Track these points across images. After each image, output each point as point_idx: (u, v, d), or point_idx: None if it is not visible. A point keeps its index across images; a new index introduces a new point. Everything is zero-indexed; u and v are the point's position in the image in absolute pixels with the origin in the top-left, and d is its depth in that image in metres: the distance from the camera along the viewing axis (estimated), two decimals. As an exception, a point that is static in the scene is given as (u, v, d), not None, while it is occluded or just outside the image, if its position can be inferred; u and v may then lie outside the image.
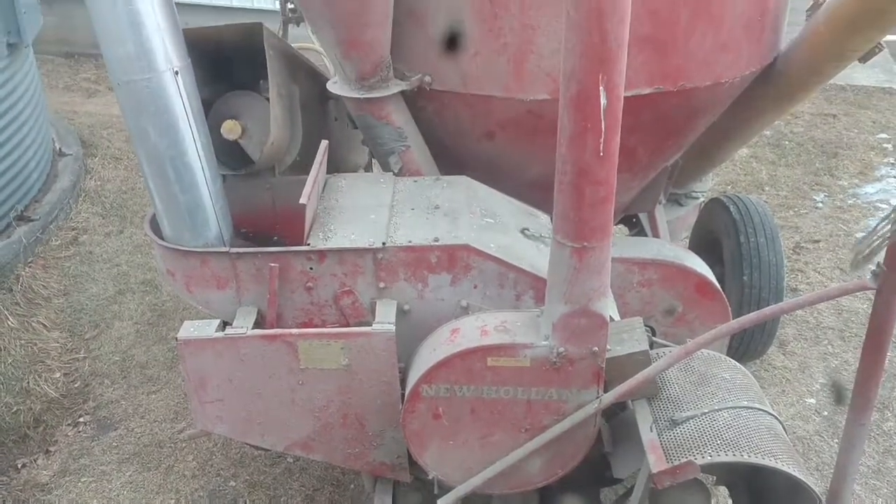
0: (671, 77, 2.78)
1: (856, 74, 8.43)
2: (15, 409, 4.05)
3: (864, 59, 2.97)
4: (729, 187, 6.44)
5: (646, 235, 3.87)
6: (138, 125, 2.39)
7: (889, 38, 2.92)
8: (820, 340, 4.52)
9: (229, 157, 3.00)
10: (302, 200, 2.46)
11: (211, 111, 2.91)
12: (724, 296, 2.95)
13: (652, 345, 2.44)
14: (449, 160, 3.16)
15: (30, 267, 5.16)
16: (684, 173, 3.84)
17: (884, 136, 7.53)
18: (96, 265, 5.38)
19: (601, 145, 1.89)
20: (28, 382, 4.22)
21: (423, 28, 2.82)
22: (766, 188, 6.50)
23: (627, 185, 3.39)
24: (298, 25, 4.27)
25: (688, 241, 4.43)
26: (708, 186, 4.41)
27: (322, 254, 2.50)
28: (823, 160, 7.01)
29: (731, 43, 2.86)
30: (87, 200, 6.20)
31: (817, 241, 5.64)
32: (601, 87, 1.82)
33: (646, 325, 2.47)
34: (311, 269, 2.52)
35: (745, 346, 3.90)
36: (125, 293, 5.09)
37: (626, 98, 1.91)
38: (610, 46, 1.77)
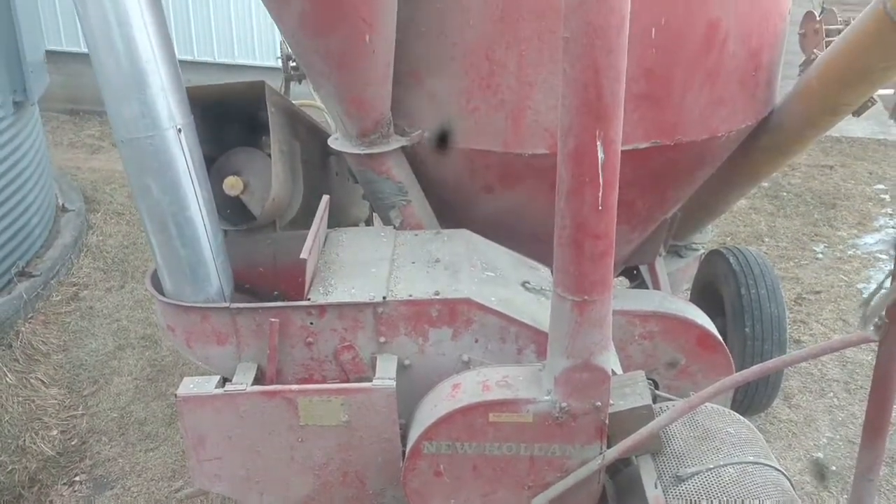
0: (668, 131, 2.81)
1: (850, 126, 8.53)
2: (10, 468, 3.99)
3: (857, 113, 3.01)
4: (728, 238, 6.47)
5: (647, 287, 3.86)
6: (141, 182, 2.41)
7: (882, 91, 2.97)
8: (825, 393, 4.48)
9: (231, 212, 3.02)
10: (303, 255, 2.47)
11: (213, 167, 2.94)
12: (727, 348, 2.93)
13: (655, 399, 2.41)
14: (449, 214, 3.18)
15: (30, 322, 5.15)
16: (684, 225, 3.86)
17: (881, 186, 7.59)
18: (96, 320, 5.37)
19: (600, 199, 1.90)
20: (24, 440, 4.17)
21: (423, 86, 2.86)
22: (766, 239, 6.53)
23: (627, 238, 3.40)
24: (300, 83, 4.35)
25: (689, 293, 4.42)
26: (708, 238, 4.43)
27: (322, 308, 2.50)
28: (822, 211, 7.05)
29: (726, 98, 2.90)
30: (89, 255, 6.22)
31: (819, 292, 5.64)
32: (598, 143, 1.84)
33: (648, 379, 2.44)
34: (311, 324, 2.52)
35: (750, 400, 3.86)
36: (125, 348, 5.06)
37: (623, 152, 1.93)
38: (606, 103, 1.80)
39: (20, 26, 5.63)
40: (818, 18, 3.20)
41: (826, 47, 3.06)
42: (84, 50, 2.33)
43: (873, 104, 2.95)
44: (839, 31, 3.08)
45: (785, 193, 7.41)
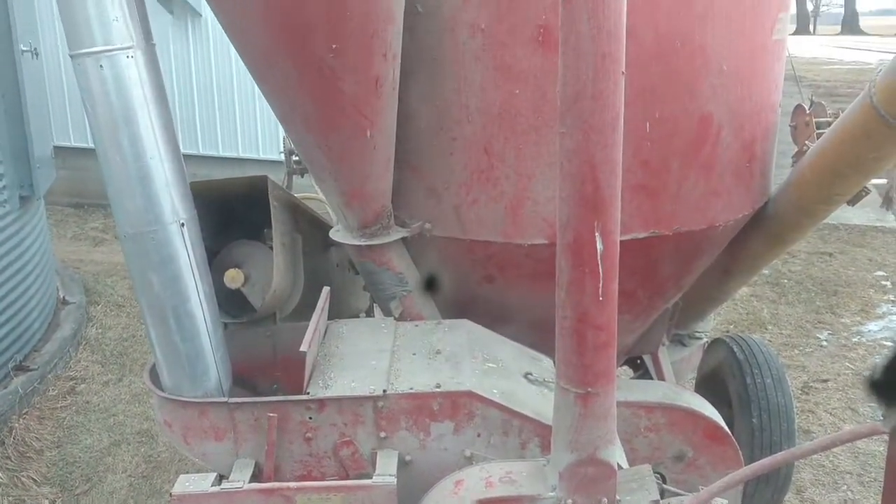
0: (665, 221, 2.84)
1: (848, 214, 8.63)
2: (-3, 571, 3.85)
3: (852, 203, 3.05)
4: (731, 327, 6.43)
5: (651, 378, 3.82)
6: (142, 275, 2.42)
7: (875, 181, 3.02)
8: (838, 486, 4.36)
9: (231, 304, 3.02)
10: (302, 348, 2.45)
11: (215, 260, 2.96)
12: (735, 440, 2.87)
13: (663, 493, 2.34)
14: (450, 304, 3.18)
15: (24, 418, 5.07)
16: (686, 314, 3.85)
17: (881, 273, 7.61)
18: (92, 415, 5.28)
19: (600, 290, 1.90)
20: (13, 542, 4.04)
21: (423, 178, 2.91)
22: (769, 327, 6.49)
23: (629, 328, 3.38)
24: (303, 176, 4.43)
25: (694, 382, 4.37)
26: (710, 326, 4.40)
27: (322, 402, 2.46)
28: (824, 298, 7.04)
29: (722, 188, 2.94)
30: (88, 349, 6.18)
31: (826, 381, 5.56)
32: (597, 234, 1.86)
33: (655, 473, 2.38)
34: (310, 418, 2.47)
35: (760, 493, 3.75)
36: (120, 444, 4.96)
37: (622, 242, 1.94)
38: (603, 196, 1.82)
39: (30, 123, 5.78)
40: (808, 111, 3.29)
41: (817, 139, 3.13)
42: (91, 145, 2.38)
43: (867, 193, 3.00)
44: (829, 124, 3.16)
45: (786, 281, 7.42)
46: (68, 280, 7.16)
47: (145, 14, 2.37)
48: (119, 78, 2.25)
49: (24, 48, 5.82)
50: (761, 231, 3.27)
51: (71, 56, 2.26)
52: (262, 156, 9.77)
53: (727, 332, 6.02)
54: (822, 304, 6.88)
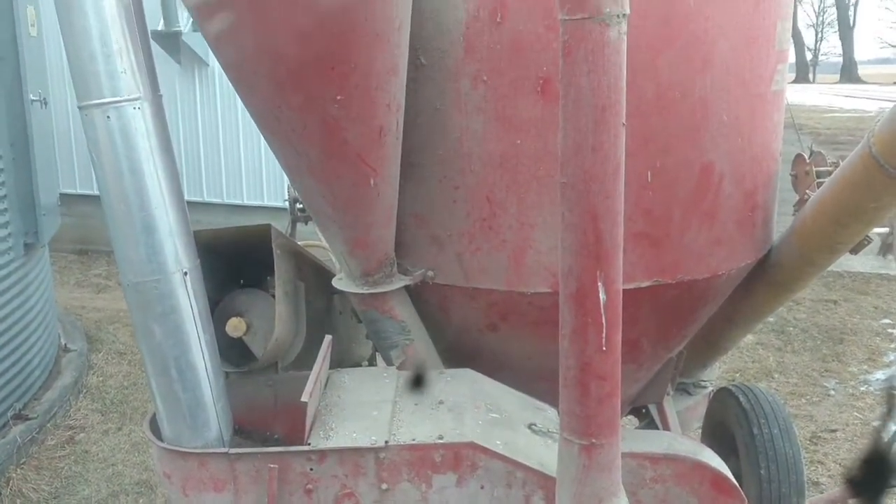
0: (669, 270, 2.84)
1: (852, 262, 8.62)
2: None
3: (854, 251, 3.05)
4: (737, 375, 6.38)
5: (656, 427, 3.77)
6: (144, 324, 2.42)
7: (877, 229, 3.02)
8: (848, 539, 4.26)
9: (233, 353, 3.00)
10: (303, 398, 2.43)
11: (217, 309, 2.96)
12: (742, 492, 2.82)
13: (670, 548, 2.30)
14: (452, 353, 3.16)
15: (22, 468, 5.01)
16: (691, 362, 3.81)
17: (887, 321, 7.57)
18: (91, 465, 5.22)
19: (603, 340, 1.89)
20: None
21: (426, 227, 2.92)
22: (776, 375, 6.44)
23: (633, 377, 3.35)
24: (307, 224, 4.44)
25: (700, 432, 4.31)
26: (716, 375, 4.36)
27: (322, 454, 2.43)
28: (830, 346, 7.00)
29: (724, 237, 2.94)
30: (88, 397, 6.14)
31: (834, 431, 5.49)
32: (599, 284, 1.85)
33: (662, 527, 2.34)
34: (311, 469, 2.44)
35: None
36: (118, 495, 4.89)
37: (625, 291, 1.94)
38: (606, 246, 1.83)
39: (37, 171, 5.84)
40: (808, 160, 3.31)
41: (818, 188, 3.14)
42: (96, 192, 2.41)
43: (869, 242, 3.00)
44: (829, 173, 3.18)
45: (791, 328, 7.37)
46: (70, 327, 7.15)
47: (153, 66, 2.42)
48: (125, 129, 2.28)
49: (34, 98, 5.92)
50: (765, 279, 3.26)
51: (79, 107, 2.29)
52: (266, 202, 9.83)
53: (733, 380, 5.96)
54: (829, 352, 6.82)
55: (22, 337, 5.59)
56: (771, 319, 7.32)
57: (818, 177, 3.24)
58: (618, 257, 1.87)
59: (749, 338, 6.85)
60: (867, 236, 2.99)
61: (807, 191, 3.26)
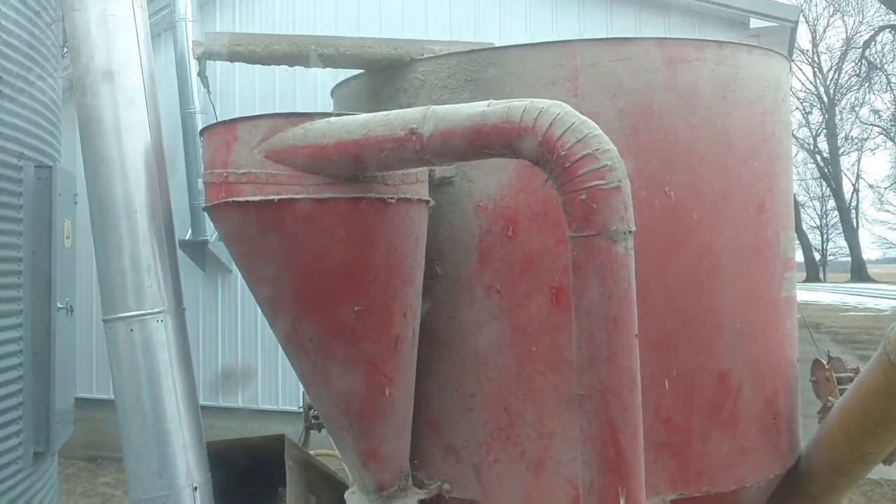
0: (693, 482, 2.73)
1: (891, 469, 8.25)
2: None
3: (888, 462, 2.93)
4: None
5: None
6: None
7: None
8: None
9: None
10: None
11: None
12: None
13: None
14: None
15: None
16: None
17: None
18: None
19: (630, 562, 1.79)
20: None
21: (442, 436, 2.87)
22: None
23: None
24: (320, 431, 4.36)
25: None
26: None
27: None
28: (875, 562, 6.50)
29: (749, 446, 2.86)
30: None
31: None
32: (622, 500, 1.79)
33: None
34: None
35: None
36: None
37: (650, 508, 1.86)
38: (627, 459, 1.78)
39: (55, 380, 5.83)
40: (827, 366, 3.27)
41: (840, 394, 3.08)
42: (110, 396, 2.41)
43: (902, 451, 2.88)
44: (850, 379, 3.13)
45: (832, 542, 6.90)
46: (71, 541, 6.82)
47: (178, 280, 2.51)
48: (148, 341, 2.34)
49: (61, 305, 6.05)
50: (796, 492, 3.11)
51: (104, 320, 2.36)
52: (281, 407, 9.72)
53: None
54: (875, 569, 6.32)
55: (19, 552, 5.33)
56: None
57: (839, 383, 3.19)
58: (639, 471, 1.81)
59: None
60: (898, 445, 2.88)
61: (829, 398, 3.19)
